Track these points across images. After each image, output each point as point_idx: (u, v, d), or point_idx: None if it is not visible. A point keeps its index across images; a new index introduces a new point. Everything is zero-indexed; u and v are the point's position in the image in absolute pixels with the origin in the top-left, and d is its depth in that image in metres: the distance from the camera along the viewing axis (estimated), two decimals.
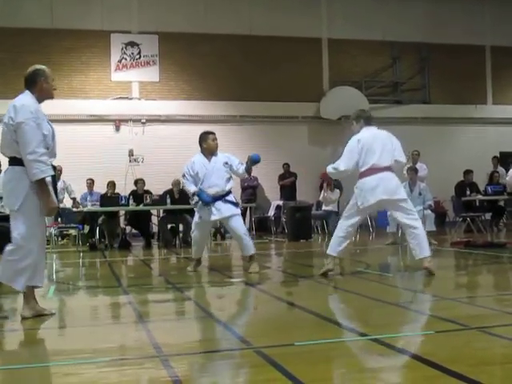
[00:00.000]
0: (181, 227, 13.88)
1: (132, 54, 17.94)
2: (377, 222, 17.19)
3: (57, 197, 5.30)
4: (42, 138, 5.01)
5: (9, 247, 5.02)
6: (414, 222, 7.09)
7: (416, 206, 11.96)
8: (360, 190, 7.07)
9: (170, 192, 13.70)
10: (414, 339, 4.15)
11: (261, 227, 17.20)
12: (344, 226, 7.22)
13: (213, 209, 7.89)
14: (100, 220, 13.40)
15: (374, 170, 7.00)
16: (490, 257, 9.32)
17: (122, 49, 17.88)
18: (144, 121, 17.78)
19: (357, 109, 8.23)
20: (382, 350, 3.79)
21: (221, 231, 15.59)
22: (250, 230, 16.44)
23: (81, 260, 11.32)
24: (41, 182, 4.95)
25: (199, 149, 8.24)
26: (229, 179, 8.07)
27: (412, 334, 4.28)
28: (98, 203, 13.74)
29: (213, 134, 8.26)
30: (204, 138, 8.19)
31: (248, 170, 8.11)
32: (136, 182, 14.35)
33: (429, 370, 3.33)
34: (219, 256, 11.84)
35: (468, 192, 14.94)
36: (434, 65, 20.01)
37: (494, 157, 17.66)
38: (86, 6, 17.43)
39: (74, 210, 14.03)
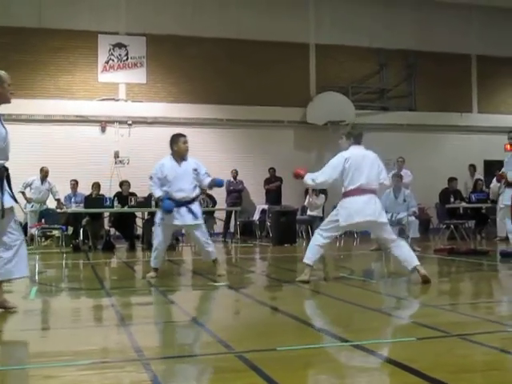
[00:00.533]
0: None
1: (119, 55, 17.90)
2: None
3: (13, 196, 5.29)
4: None
5: None
6: (395, 237, 7.28)
7: (400, 212, 12.08)
8: (345, 209, 7.06)
9: None
10: (396, 346, 4.16)
11: (245, 231, 17.19)
12: (322, 237, 7.24)
13: (176, 214, 7.77)
14: (84, 221, 13.35)
15: (361, 191, 6.99)
16: (473, 264, 9.37)
17: (110, 50, 17.84)
18: (130, 122, 17.74)
19: (349, 123, 8.29)
20: (364, 356, 3.80)
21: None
22: (234, 233, 16.47)
23: (64, 261, 11.26)
24: None
25: (188, 152, 8.14)
26: (196, 186, 7.97)
27: (393, 341, 4.30)
28: (82, 204, 13.68)
29: (184, 136, 8.07)
30: (175, 140, 8.01)
31: (209, 187, 8.25)
32: (121, 184, 14.30)
33: (409, 376, 3.34)
34: (202, 260, 11.81)
35: (452, 199, 15.04)
36: (421, 72, 20.14)
37: (471, 165, 17.88)
38: (75, 7, 17.38)
39: (58, 210, 13.96)
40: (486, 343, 4.06)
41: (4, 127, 5.22)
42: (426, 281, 6.86)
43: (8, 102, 5.40)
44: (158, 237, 8.07)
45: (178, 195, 7.78)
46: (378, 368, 3.57)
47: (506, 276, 8.35)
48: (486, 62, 20.81)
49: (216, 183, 8.01)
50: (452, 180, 15.51)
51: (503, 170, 9.57)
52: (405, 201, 12.16)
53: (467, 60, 20.92)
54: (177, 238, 14.40)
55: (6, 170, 5.26)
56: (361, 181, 6.99)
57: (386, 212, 12.13)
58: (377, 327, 4.79)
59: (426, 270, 7.04)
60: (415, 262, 7.02)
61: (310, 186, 7.69)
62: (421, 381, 3.24)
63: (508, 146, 18.09)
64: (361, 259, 11.40)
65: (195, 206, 7.90)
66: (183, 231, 15.13)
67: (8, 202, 5.19)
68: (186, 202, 7.81)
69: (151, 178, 8.02)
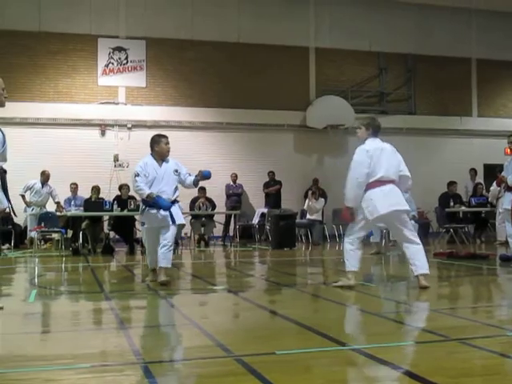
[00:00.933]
0: None
1: (119, 58, 17.91)
2: None
3: (7, 198, 5.24)
4: None
5: None
6: (415, 238, 6.97)
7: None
8: (369, 201, 6.86)
9: None
10: (395, 350, 4.15)
11: (245, 235, 17.19)
12: (351, 238, 7.08)
13: (158, 215, 7.59)
14: (83, 225, 13.34)
15: (382, 182, 6.86)
16: (472, 268, 9.37)
17: (110, 53, 17.85)
18: (130, 126, 17.75)
19: (368, 116, 8.09)
20: (363, 360, 3.79)
21: (204, 238, 15.58)
22: (234, 237, 16.47)
23: (63, 264, 11.25)
24: None
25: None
26: (176, 187, 7.82)
27: (393, 345, 4.29)
28: (82, 208, 13.68)
29: (165, 137, 7.89)
30: (157, 140, 7.81)
31: (196, 183, 7.86)
32: (120, 188, 14.29)
33: (409, 380, 3.33)
34: (202, 263, 11.82)
35: (452, 203, 15.04)
36: (420, 76, 20.17)
37: (472, 169, 17.90)
38: (74, 10, 17.41)
39: (58, 214, 13.96)
40: (485, 347, 4.05)
41: (0, 130, 5.20)
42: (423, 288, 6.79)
43: (2, 105, 5.39)
44: (146, 241, 8.07)
45: None
46: (377, 372, 3.56)
47: (506, 280, 8.34)
48: (486, 65, 20.83)
49: (203, 175, 7.74)
50: (451, 184, 15.51)
51: (503, 173, 9.56)
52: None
53: (467, 64, 20.94)
54: (176, 241, 14.39)
55: (5, 172, 5.25)
56: (381, 173, 6.86)
57: None
58: (376, 331, 4.79)
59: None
60: (421, 270, 6.83)
61: (353, 198, 6.99)
62: None
63: (508, 150, 18.10)
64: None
65: (175, 209, 7.71)
66: (182, 234, 15.20)
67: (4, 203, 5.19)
68: None
69: (137, 175, 7.64)
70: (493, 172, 16.43)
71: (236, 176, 17.37)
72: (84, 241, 13.44)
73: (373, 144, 7.05)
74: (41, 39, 17.09)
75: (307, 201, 16.08)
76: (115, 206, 13.32)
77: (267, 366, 3.60)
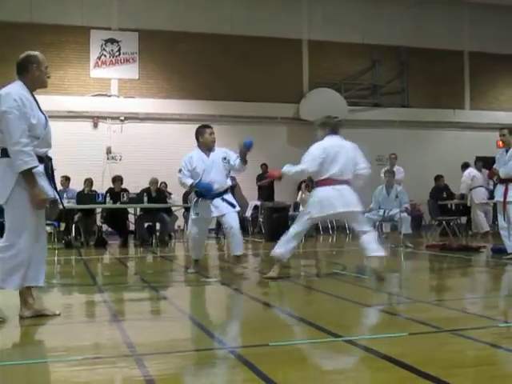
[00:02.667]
0: (158, 226, 13.84)
1: (112, 50, 17.86)
2: None
3: (55, 188, 5.06)
4: (26, 127, 4.74)
5: (0, 244, 4.81)
6: (366, 229, 7.06)
7: (392, 208, 12.10)
8: (315, 199, 7.01)
9: (147, 190, 13.63)
10: (388, 341, 4.16)
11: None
12: (293, 232, 7.26)
13: (211, 206, 7.57)
14: (76, 217, 13.32)
15: (331, 181, 6.90)
16: (464, 260, 9.40)
17: (102, 45, 17.81)
18: (122, 118, 17.72)
19: (323, 115, 8.01)
20: (356, 351, 3.80)
21: None
22: None
23: (56, 257, 11.22)
24: (26, 174, 4.70)
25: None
26: (227, 175, 7.80)
27: (385, 336, 4.30)
28: (75, 200, 13.63)
29: (210, 127, 7.92)
30: (201, 132, 7.82)
31: (243, 159, 7.64)
32: (114, 180, 14.25)
33: (401, 371, 3.34)
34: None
35: (445, 195, 15.08)
36: (413, 69, 20.20)
37: (478, 158, 17.86)
38: (66, 2, 17.36)
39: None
40: (477, 338, 4.07)
41: (43, 113, 5.00)
42: (378, 277, 6.86)
43: (45, 86, 5.18)
44: (194, 232, 7.87)
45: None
46: (370, 363, 3.57)
47: (497, 272, 8.37)
48: (479, 58, 20.87)
49: (246, 146, 7.56)
50: (439, 178, 15.56)
51: (495, 166, 9.57)
52: (397, 197, 12.18)
53: (460, 57, 20.98)
54: (169, 233, 14.40)
55: (50, 159, 5.07)
56: (333, 171, 6.89)
57: (379, 208, 12.32)
58: (369, 323, 4.81)
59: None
60: (374, 252, 6.90)
61: (288, 176, 7.40)
62: (413, 376, 3.24)
63: (500, 143, 18.08)
64: (353, 255, 11.38)
65: (229, 196, 7.76)
66: (176, 227, 15.18)
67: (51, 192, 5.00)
68: (219, 193, 7.63)
69: (180, 170, 7.68)
70: (486, 164, 16.52)
71: None
72: (77, 234, 13.41)
73: (332, 141, 7.11)
74: (33, 31, 16.98)
75: (300, 193, 16.08)
76: (108, 199, 13.29)
77: (261, 358, 3.61)
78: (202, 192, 7.57)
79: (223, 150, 7.88)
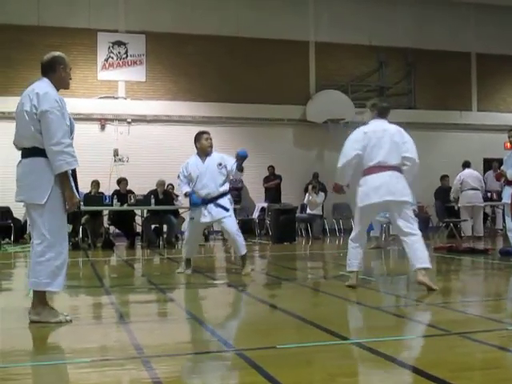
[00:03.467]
0: (165, 228, 13.86)
1: (119, 53, 17.89)
2: None
3: (77, 191, 5.04)
4: (67, 128, 4.77)
5: (38, 247, 4.72)
6: (413, 230, 6.42)
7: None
8: (362, 189, 6.45)
9: (154, 192, 13.66)
10: (396, 343, 4.15)
11: (245, 229, 17.10)
12: (354, 235, 6.62)
13: (205, 211, 7.79)
14: (83, 219, 13.33)
15: (379, 168, 6.35)
16: (472, 262, 9.38)
17: (109, 48, 17.83)
18: (130, 120, 17.73)
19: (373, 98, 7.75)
20: (364, 354, 3.79)
21: (204, 232, 15.55)
22: None
23: None
24: (63, 175, 4.72)
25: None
26: (224, 181, 7.88)
27: (393, 339, 4.29)
28: (82, 202, 13.65)
29: (206, 133, 8.13)
30: (197, 137, 8.08)
31: (239, 168, 7.81)
32: (119, 182, 14.27)
33: (410, 374, 3.34)
34: (202, 257, 11.82)
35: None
36: (420, 70, 20.15)
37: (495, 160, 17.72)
38: (73, 4, 17.37)
39: None
40: (486, 341, 4.06)
41: (70, 117, 5.01)
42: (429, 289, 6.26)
43: (68, 87, 5.19)
44: (187, 233, 8.29)
45: (203, 192, 7.79)
46: (378, 366, 3.56)
47: (505, 274, 8.35)
48: (486, 59, 20.81)
49: (240, 156, 7.76)
50: (444, 178, 15.55)
51: (502, 167, 9.55)
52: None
53: (467, 58, 20.92)
54: (176, 235, 14.39)
55: None
56: (380, 157, 6.35)
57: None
58: (376, 325, 4.79)
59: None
60: (420, 264, 6.28)
61: (338, 180, 6.68)
62: (421, 378, 3.24)
63: (508, 144, 18.06)
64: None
65: (223, 200, 7.85)
66: (182, 229, 15.20)
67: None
68: (212, 199, 7.79)
69: (178, 176, 8.05)
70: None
71: None
72: (84, 235, 13.44)
73: (375, 125, 6.62)
74: (40, 33, 17.02)
75: (307, 195, 16.07)
76: (115, 201, 13.30)
77: (268, 360, 3.60)
78: (191, 202, 7.90)
79: (220, 156, 8.03)
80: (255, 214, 17.19)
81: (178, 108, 18.01)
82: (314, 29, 19.45)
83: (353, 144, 6.48)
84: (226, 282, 7.48)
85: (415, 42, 20.05)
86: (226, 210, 7.85)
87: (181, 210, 14.66)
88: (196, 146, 8.08)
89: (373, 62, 20.05)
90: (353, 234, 6.66)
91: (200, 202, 7.76)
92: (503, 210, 11.05)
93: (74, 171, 4.95)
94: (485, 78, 20.92)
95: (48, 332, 4.73)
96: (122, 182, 14.14)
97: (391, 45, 19.90)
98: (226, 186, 7.97)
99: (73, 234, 13.43)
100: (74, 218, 13.38)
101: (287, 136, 18.94)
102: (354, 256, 6.59)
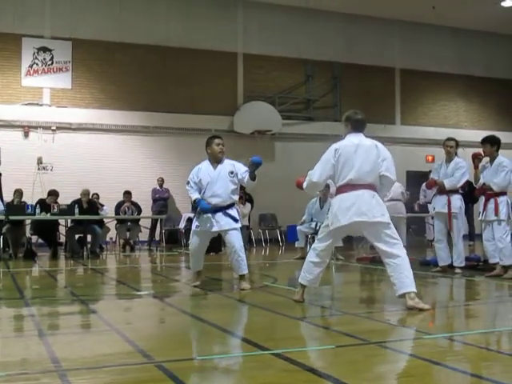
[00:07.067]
0: (89, 238, 13.64)
1: (44, 59, 17.55)
2: (286, 237, 17.49)
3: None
4: None
5: None
6: (395, 250, 5.91)
7: (325, 221, 12.22)
8: (332, 209, 6.06)
9: (78, 202, 13.43)
10: (315, 353, 4.22)
11: (171, 239, 17.10)
12: (316, 249, 6.24)
13: (212, 220, 7.40)
14: (4, 229, 12.98)
15: (351, 187, 5.89)
16: None
17: (34, 54, 17.48)
18: (54, 128, 17.40)
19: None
20: (282, 364, 3.83)
21: (130, 243, 15.42)
22: (160, 241, 16.39)
23: None
24: None
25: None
26: (235, 190, 7.53)
27: (313, 349, 4.35)
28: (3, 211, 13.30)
29: (218, 138, 7.80)
30: (209, 142, 7.71)
31: (252, 176, 7.41)
32: (49, 194, 14.00)
33: (325, 383, 3.39)
34: (127, 268, 11.69)
35: None
36: (346, 84, 20.57)
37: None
38: None
39: None
40: (402, 350, 4.17)
41: None
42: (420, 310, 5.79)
43: None
44: (194, 244, 7.73)
45: (213, 200, 7.41)
46: (295, 376, 3.60)
47: (423, 284, 8.57)
48: (408, 75, 21.46)
49: (253, 163, 7.36)
50: None
51: (432, 176, 9.58)
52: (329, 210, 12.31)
53: (391, 73, 21.50)
54: (101, 245, 14.20)
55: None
56: (351, 175, 5.88)
57: (311, 220, 12.46)
58: (298, 335, 4.85)
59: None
60: (405, 288, 5.87)
61: (308, 190, 6.34)
62: None
63: (430, 157, 18.52)
64: (285, 267, 11.51)
65: (232, 211, 7.48)
66: (107, 239, 14.98)
67: None
68: (221, 208, 7.42)
69: (188, 182, 7.60)
70: (415, 179, 16.88)
71: (162, 180, 17.23)
72: (5, 245, 13.08)
73: (347, 141, 6.11)
74: None
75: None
76: (38, 210, 13.01)
77: (187, 372, 3.60)
78: (200, 208, 7.48)
79: (232, 163, 7.70)
80: (181, 224, 17.10)
81: (105, 116, 17.79)
82: (243, 40, 19.60)
83: (324, 166, 6.03)
84: (151, 293, 7.42)
85: (342, 56, 20.49)
86: (236, 220, 7.48)
87: (106, 220, 14.49)
88: (207, 152, 7.71)
89: (301, 74, 20.34)
90: (319, 246, 6.24)
91: (209, 207, 7.36)
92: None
93: None
94: (408, 93, 21.53)
95: None
96: (52, 194, 13.89)
97: (318, 58, 20.26)
98: (237, 196, 7.65)
99: None
100: None
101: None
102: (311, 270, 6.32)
